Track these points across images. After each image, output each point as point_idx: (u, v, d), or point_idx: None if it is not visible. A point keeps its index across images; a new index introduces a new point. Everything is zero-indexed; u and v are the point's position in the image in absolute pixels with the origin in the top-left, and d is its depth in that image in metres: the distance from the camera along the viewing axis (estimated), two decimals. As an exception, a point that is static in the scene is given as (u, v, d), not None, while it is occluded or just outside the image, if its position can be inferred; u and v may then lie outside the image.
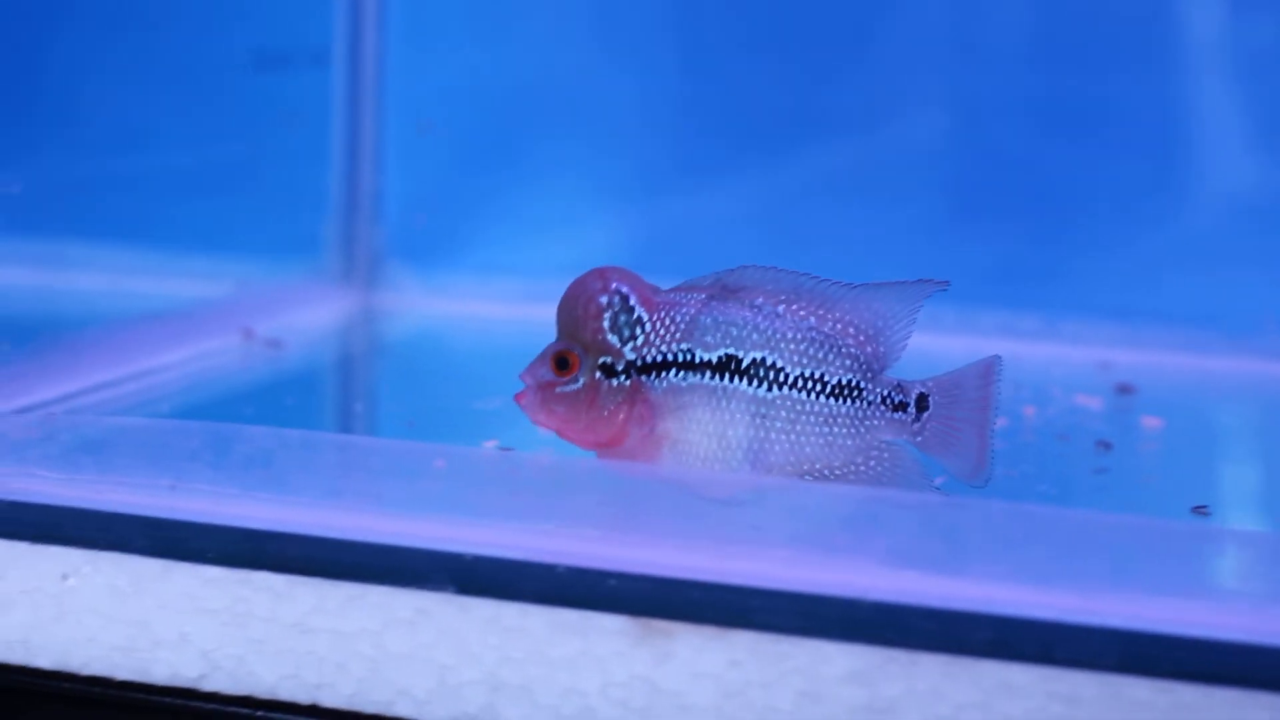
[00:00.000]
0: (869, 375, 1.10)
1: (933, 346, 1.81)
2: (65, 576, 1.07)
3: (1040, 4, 1.87)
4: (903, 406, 1.10)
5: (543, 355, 1.11)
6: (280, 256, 1.89)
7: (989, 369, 1.10)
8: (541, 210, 1.98)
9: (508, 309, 1.92)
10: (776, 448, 1.10)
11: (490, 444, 1.30)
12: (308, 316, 1.82)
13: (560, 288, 1.96)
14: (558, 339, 1.12)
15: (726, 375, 1.09)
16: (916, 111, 1.88)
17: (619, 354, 1.10)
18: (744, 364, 1.09)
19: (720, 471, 1.10)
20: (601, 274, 1.11)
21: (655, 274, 1.97)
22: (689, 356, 1.09)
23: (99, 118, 1.65)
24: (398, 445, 1.13)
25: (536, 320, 1.92)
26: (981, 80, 1.88)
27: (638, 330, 1.10)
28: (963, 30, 1.88)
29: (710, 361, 1.09)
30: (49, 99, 1.61)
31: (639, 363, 1.10)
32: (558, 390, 1.11)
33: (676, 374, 1.09)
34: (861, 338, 1.10)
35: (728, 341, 1.09)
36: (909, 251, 1.90)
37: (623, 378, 1.10)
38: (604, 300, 1.11)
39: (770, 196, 1.92)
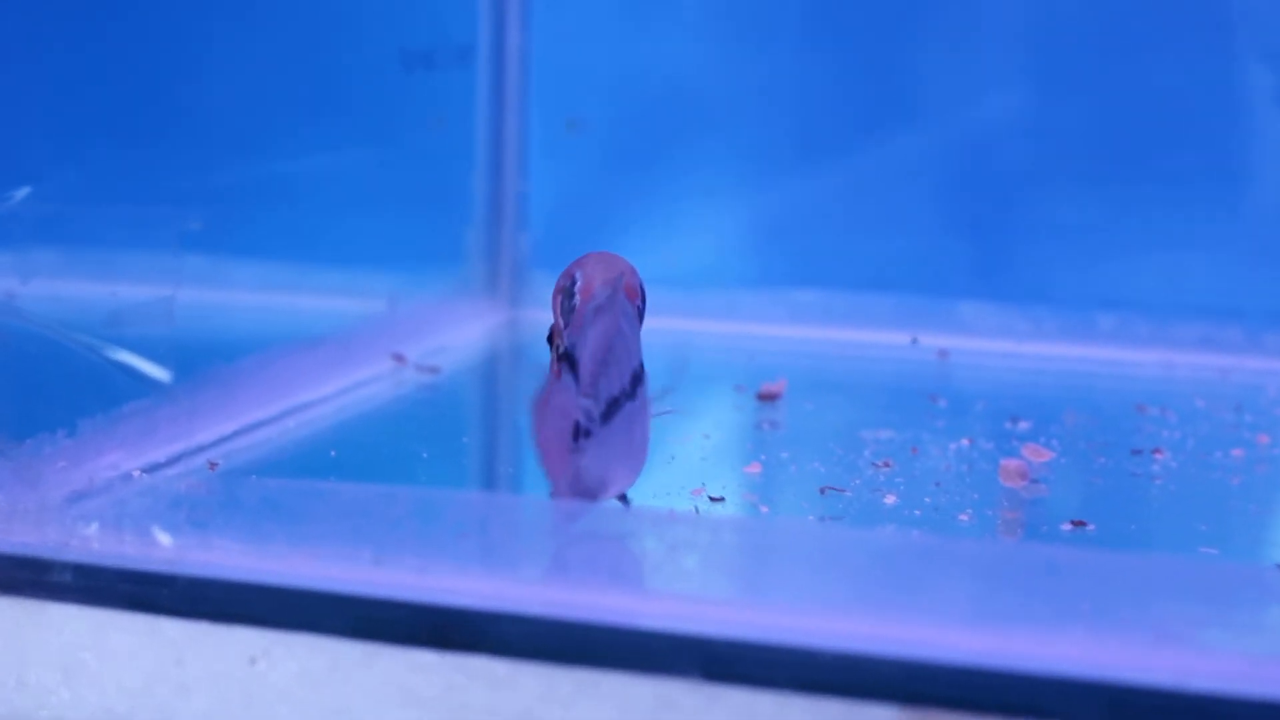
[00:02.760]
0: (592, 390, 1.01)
1: (1128, 359, 1.68)
2: (253, 660, 0.95)
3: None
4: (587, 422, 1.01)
5: None
6: (426, 267, 1.77)
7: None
8: (685, 210, 1.85)
9: (655, 319, 1.78)
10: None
11: (697, 492, 1.18)
12: (457, 335, 1.70)
13: (707, 297, 1.86)
14: None
15: (569, 371, 1.02)
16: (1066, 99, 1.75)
17: (563, 337, 1.06)
18: (575, 363, 1.02)
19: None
20: (582, 259, 1.08)
21: (796, 277, 1.88)
22: (569, 349, 1.04)
23: (238, 125, 1.53)
24: (632, 512, 0.99)
25: (688, 331, 1.82)
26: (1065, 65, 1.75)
27: (570, 318, 1.06)
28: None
29: (565, 354, 1.04)
30: (188, 106, 1.49)
31: (562, 348, 1.05)
32: (550, 360, 1.07)
33: (565, 364, 1.03)
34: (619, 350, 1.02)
35: (580, 340, 1.03)
36: (1078, 244, 1.76)
37: (560, 363, 1.05)
38: (561, 283, 1.07)
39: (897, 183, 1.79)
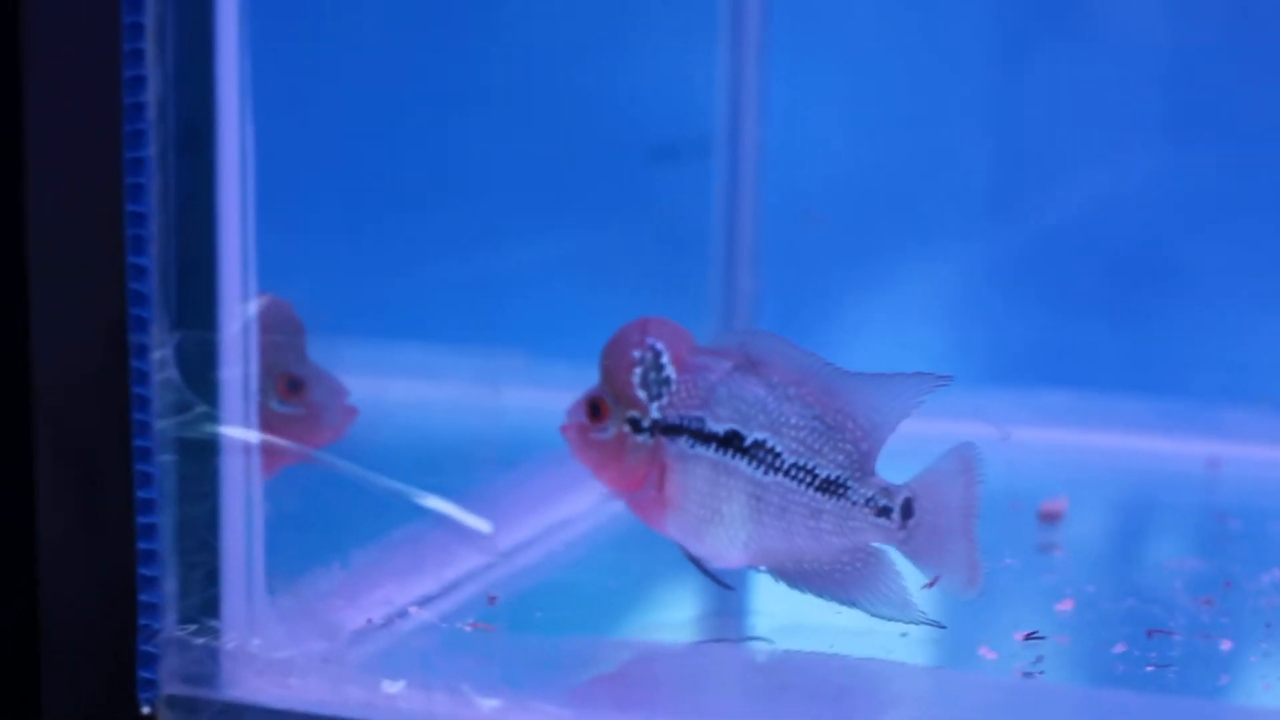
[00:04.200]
0: (858, 474, 1.05)
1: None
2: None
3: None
4: (886, 512, 1.04)
5: (583, 397, 1.09)
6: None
7: (969, 462, 1.06)
8: (921, 305, 1.76)
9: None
10: (770, 533, 1.06)
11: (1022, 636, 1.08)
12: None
13: (950, 398, 1.77)
14: (599, 383, 1.08)
15: (729, 451, 1.06)
16: None
17: (645, 410, 1.08)
18: (745, 443, 1.06)
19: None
20: (642, 326, 1.08)
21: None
22: (699, 425, 1.06)
23: (468, 215, 1.46)
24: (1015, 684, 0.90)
25: (931, 436, 1.73)
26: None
27: (664, 390, 1.07)
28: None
29: (717, 434, 1.06)
30: (425, 195, 1.43)
31: (662, 423, 1.06)
32: (591, 435, 1.09)
33: (688, 441, 1.06)
34: (859, 433, 1.05)
35: (736, 417, 1.06)
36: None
37: (647, 435, 1.07)
38: (637, 355, 1.07)
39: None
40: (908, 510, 1.05)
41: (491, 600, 1.13)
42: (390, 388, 1.36)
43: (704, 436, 1.07)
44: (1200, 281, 1.73)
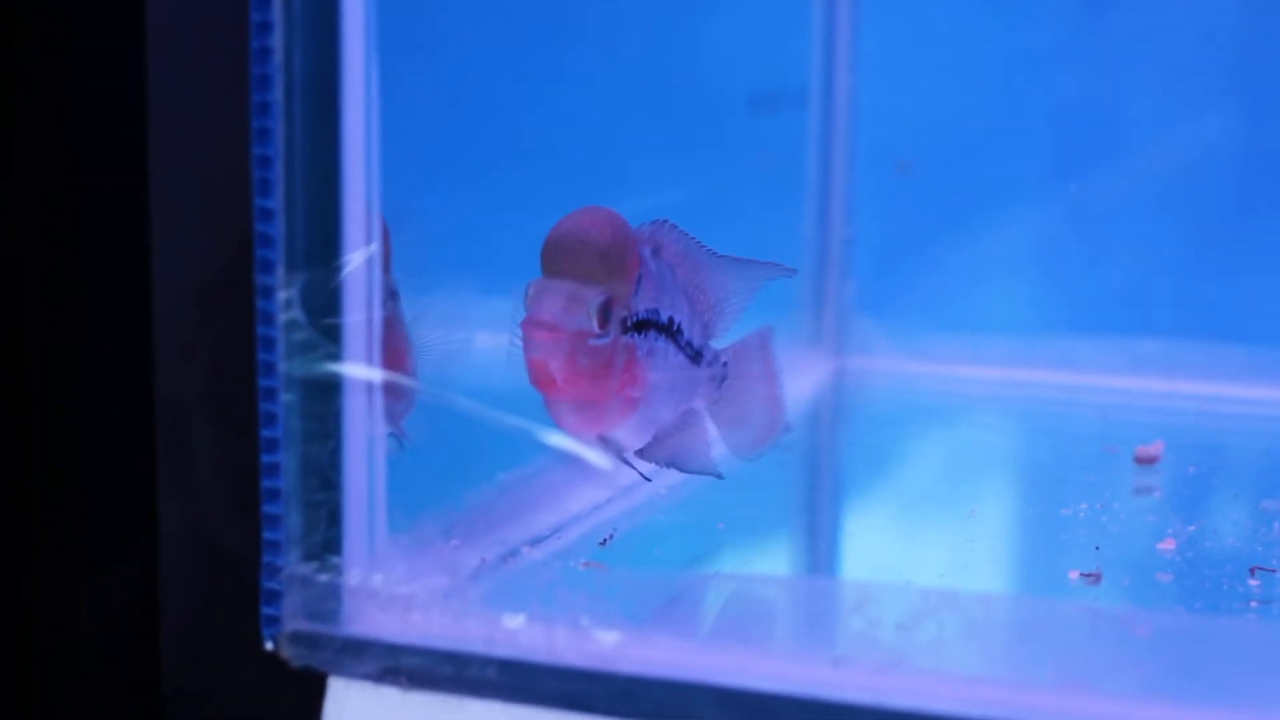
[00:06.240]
0: (705, 343, 1.09)
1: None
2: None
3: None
4: (718, 377, 1.10)
5: (573, 298, 0.97)
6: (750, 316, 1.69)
7: (765, 339, 1.12)
8: (1015, 254, 1.77)
9: (990, 370, 1.71)
10: (657, 411, 1.06)
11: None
12: (788, 388, 1.61)
13: (1044, 346, 1.77)
14: (579, 279, 0.98)
15: (667, 336, 1.05)
16: None
17: (630, 308, 1.01)
18: (675, 326, 1.06)
19: None
20: (621, 220, 1.03)
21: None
22: (656, 316, 1.04)
23: (566, 166, 1.47)
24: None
25: (1024, 382, 1.74)
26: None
27: (639, 286, 1.02)
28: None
29: (665, 323, 1.05)
30: (522, 145, 1.44)
31: (635, 319, 1.02)
32: (590, 343, 0.97)
33: (655, 334, 1.04)
34: (706, 304, 1.08)
35: (670, 303, 1.05)
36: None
37: (628, 335, 1.01)
38: (644, 251, 1.03)
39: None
40: (724, 375, 1.12)
41: (605, 541, 1.15)
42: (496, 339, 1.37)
43: (661, 327, 1.07)
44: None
